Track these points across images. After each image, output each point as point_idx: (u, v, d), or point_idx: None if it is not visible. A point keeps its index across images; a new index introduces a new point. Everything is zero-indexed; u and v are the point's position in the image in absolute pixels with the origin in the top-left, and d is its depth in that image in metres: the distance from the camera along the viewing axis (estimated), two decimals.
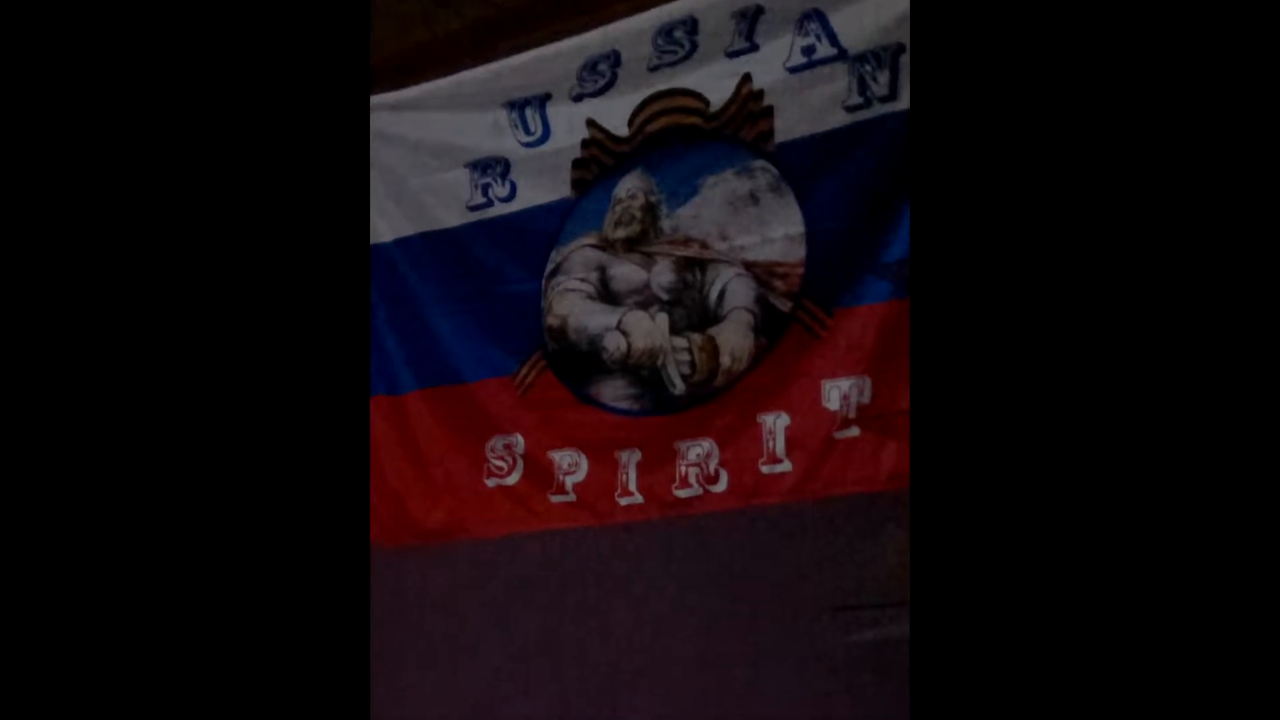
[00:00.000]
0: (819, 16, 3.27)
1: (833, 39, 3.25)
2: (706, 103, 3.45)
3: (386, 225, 3.88)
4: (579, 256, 3.57)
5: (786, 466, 3.38)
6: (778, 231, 3.32)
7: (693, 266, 3.42)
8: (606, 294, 3.51)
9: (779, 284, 3.31)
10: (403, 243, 3.88)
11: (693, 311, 3.40)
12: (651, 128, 3.54)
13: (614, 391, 3.49)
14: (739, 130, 3.40)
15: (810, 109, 3.30)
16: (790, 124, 3.33)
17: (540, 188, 3.68)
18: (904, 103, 3.11)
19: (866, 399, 3.17)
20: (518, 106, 3.71)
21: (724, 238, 3.38)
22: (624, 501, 3.60)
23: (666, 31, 3.49)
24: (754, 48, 3.38)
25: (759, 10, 3.36)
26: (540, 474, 3.71)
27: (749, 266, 3.34)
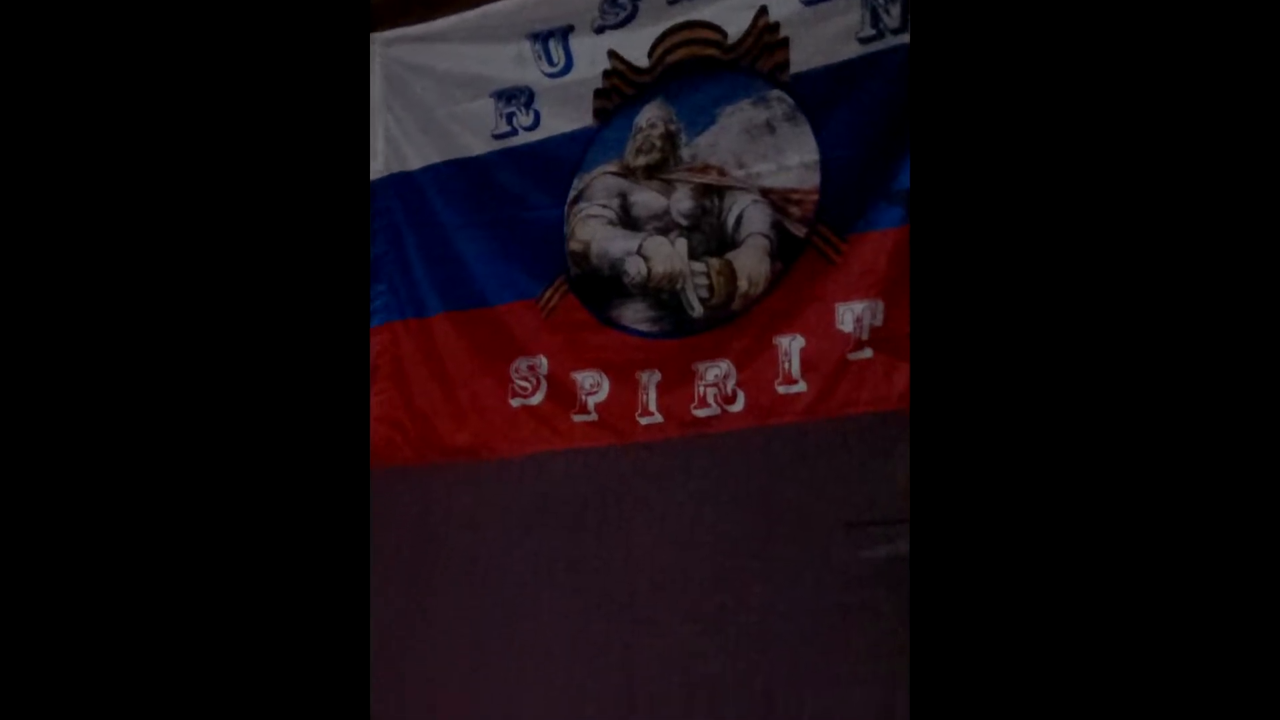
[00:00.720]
0: None
1: None
2: (724, 35, 3.51)
3: (414, 153, 3.94)
4: (601, 184, 3.63)
5: (801, 387, 3.45)
6: (793, 159, 3.38)
7: (711, 193, 3.48)
8: (627, 220, 3.57)
9: (794, 210, 3.37)
10: (429, 170, 3.93)
11: (711, 237, 3.46)
12: (671, 59, 3.60)
13: (634, 314, 3.56)
14: (755, 61, 3.46)
15: (824, 41, 3.36)
16: (805, 55, 3.39)
17: (563, 117, 3.73)
18: None
19: (879, 321, 3.24)
20: (541, 38, 3.76)
21: (741, 165, 3.44)
22: (644, 421, 3.67)
23: None
24: None
25: None
26: (563, 394, 3.78)
27: (765, 193, 3.40)
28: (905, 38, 3.19)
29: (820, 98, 3.36)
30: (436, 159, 3.93)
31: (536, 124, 3.77)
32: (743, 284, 3.41)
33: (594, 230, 3.63)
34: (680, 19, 3.58)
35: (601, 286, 3.62)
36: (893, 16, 3.22)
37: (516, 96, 3.77)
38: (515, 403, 3.86)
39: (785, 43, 3.41)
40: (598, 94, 3.68)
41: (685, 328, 3.52)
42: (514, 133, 3.79)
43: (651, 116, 3.58)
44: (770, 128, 3.41)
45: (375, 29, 3.88)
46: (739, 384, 3.53)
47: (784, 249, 3.37)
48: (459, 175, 3.89)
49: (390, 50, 3.99)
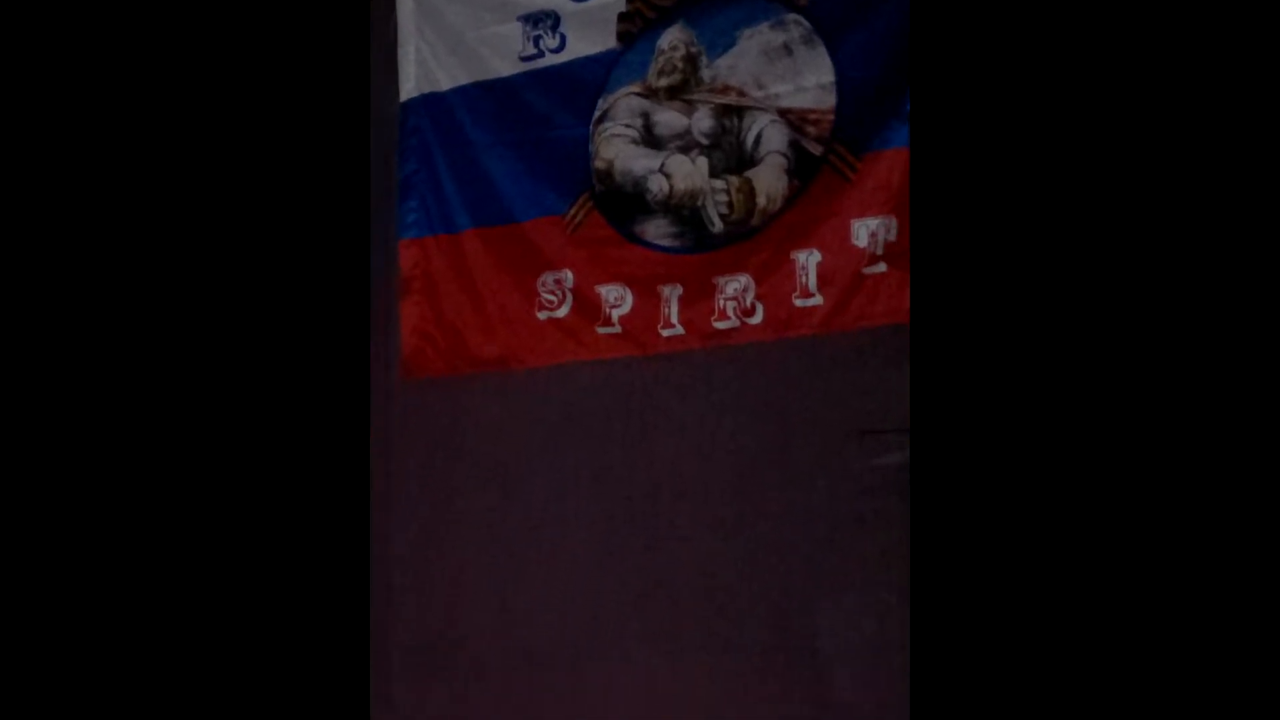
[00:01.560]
0: None
1: None
2: None
3: (445, 75, 4.02)
4: (624, 104, 3.71)
5: (818, 300, 3.55)
6: (810, 80, 3.46)
7: (731, 113, 3.56)
8: (650, 139, 3.65)
9: (811, 130, 3.46)
10: (459, 91, 4.01)
11: (730, 155, 3.54)
12: None
13: (657, 230, 3.65)
14: None
15: None
16: None
17: (588, 40, 3.81)
18: None
19: (893, 237, 3.33)
20: None
21: (760, 86, 3.52)
22: (666, 333, 3.77)
23: None
24: None
25: None
26: (588, 307, 3.87)
27: (783, 113, 3.49)
28: None
29: (836, 21, 3.44)
30: (465, 80, 4.01)
31: (562, 46, 3.84)
32: (761, 200, 3.50)
33: (618, 149, 3.71)
34: None
35: (625, 203, 3.70)
36: None
37: (543, 20, 3.85)
38: (542, 315, 3.96)
39: None
40: (621, 18, 3.75)
41: (706, 243, 3.61)
42: (540, 55, 3.87)
43: (673, 39, 3.65)
44: (788, 50, 3.49)
45: None
46: (758, 297, 3.62)
47: (801, 167, 3.46)
48: (487, 96, 3.97)
49: None
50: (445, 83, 4.02)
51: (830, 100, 3.43)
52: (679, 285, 3.71)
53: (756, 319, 3.63)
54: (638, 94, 3.70)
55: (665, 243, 3.65)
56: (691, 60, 3.63)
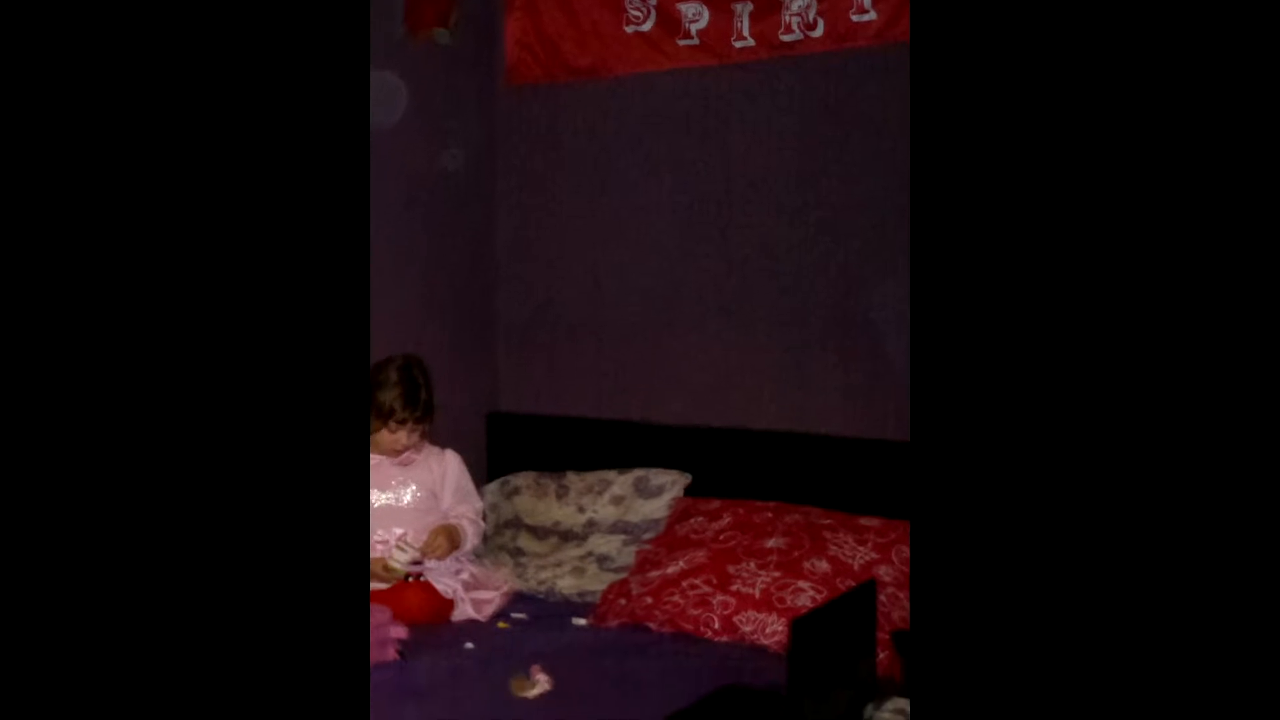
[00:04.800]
0: None
1: None
2: None
3: None
4: None
5: (872, 15, 3.80)
6: None
7: None
8: None
9: None
10: None
11: None
12: None
13: None
14: None
15: None
16: None
17: None
18: None
19: None
20: None
21: None
22: (739, 45, 4.03)
23: None
24: None
25: None
26: (669, 21, 4.13)
27: None
28: None
29: None
30: None
31: None
32: None
33: None
34: None
35: None
36: None
37: None
38: (629, 29, 4.20)
39: None
40: None
41: None
42: None
43: None
44: None
45: None
46: (819, 13, 3.86)
47: None
48: None
49: None
50: None
51: None
52: (749, 2, 3.96)
53: (818, 32, 3.87)
54: None
55: None
56: None
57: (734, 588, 3.42)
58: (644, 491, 4.17)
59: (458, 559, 3.75)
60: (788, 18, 3.91)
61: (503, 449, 4.66)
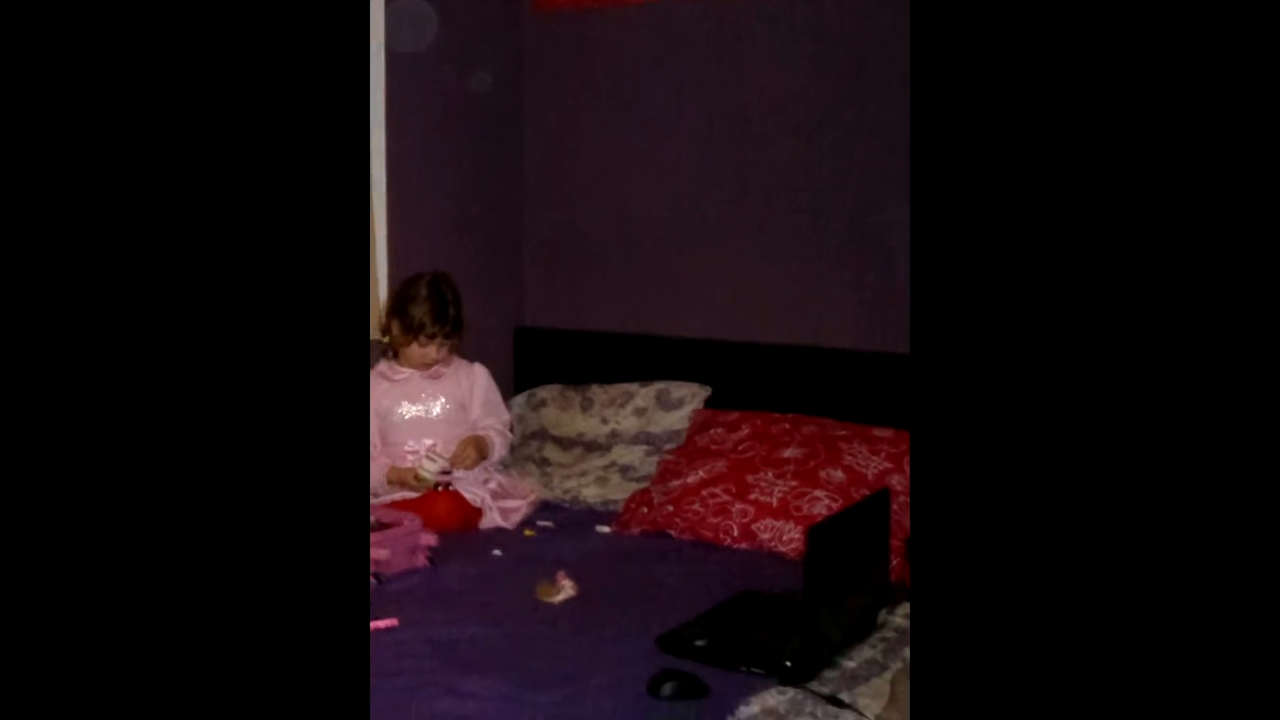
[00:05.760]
0: None
1: None
2: None
3: None
4: None
5: None
6: None
7: None
8: None
9: None
10: None
11: None
12: None
13: None
14: None
15: None
16: None
17: None
18: None
19: None
20: None
21: None
22: None
23: None
24: None
25: None
26: None
27: None
28: None
29: None
30: None
31: None
32: None
33: None
34: None
35: None
36: None
37: None
38: None
39: None
40: None
41: None
42: None
43: None
44: None
45: None
46: None
47: None
48: None
49: None
50: None
51: None
52: None
53: None
54: None
55: None
56: None
57: (752, 496, 3.47)
58: (665, 403, 4.22)
59: (486, 469, 3.81)
60: None
61: (529, 363, 4.72)
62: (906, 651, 2.63)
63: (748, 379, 4.18)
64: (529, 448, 4.37)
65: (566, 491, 4.02)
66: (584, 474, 4.12)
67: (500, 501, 3.72)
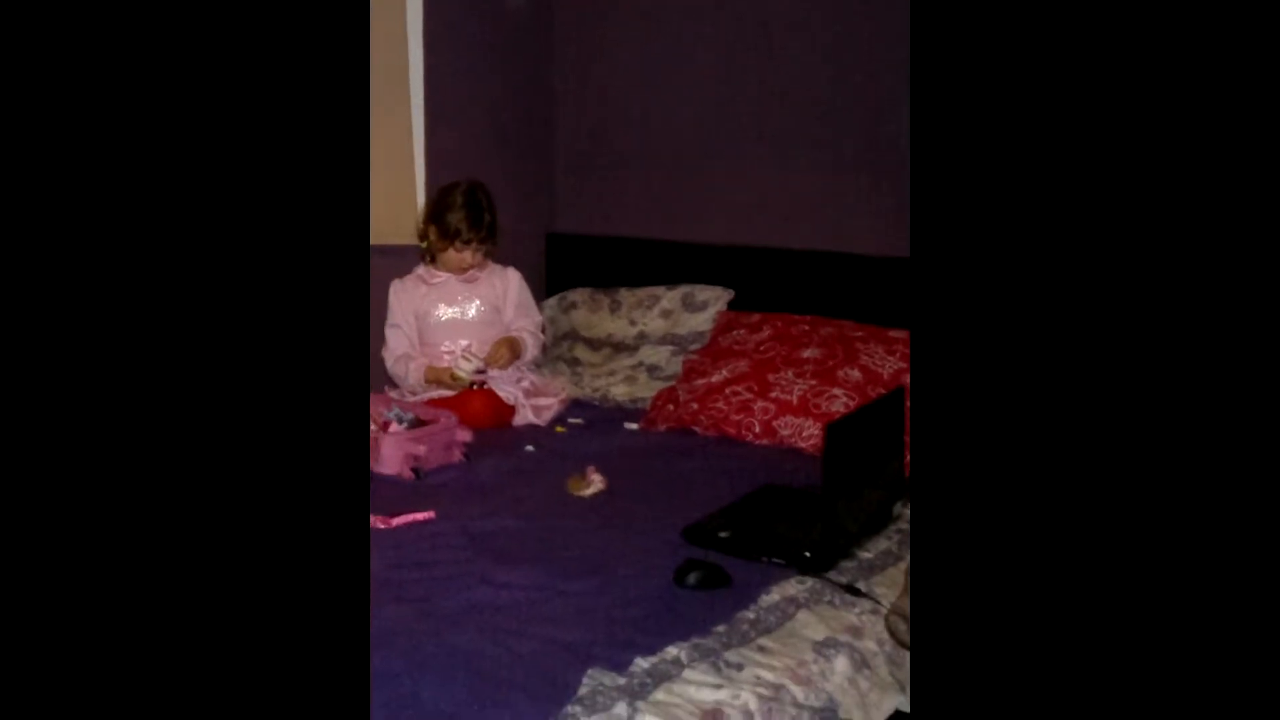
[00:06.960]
0: None
1: None
2: None
3: None
4: None
5: None
6: None
7: None
8: None
9: None
10: None
11: None
12: None
13: None
14: None
15: None
16: None
17: None
18: None
19: None
20: None
21: None
22: None
23: None
24: None
25: None
26: None
27: None
28: None
29: None
30: None
31: None
32: None
33: None
34: None
35: None
36: None
37: None
38: None
39: None
40: None
41: None
42: None
43: None
44: None
45: None
46: None
47: None
48: None
49: None
50: None
51: None
52: None
53: None
54: None
55: None
56: None
57: (773, 394, 3.50)
58: (690, 306, 4.24)
59: (519, 368, 3.86)
60: None
61: (560, 267, 4.75)
62: None
63: (769, 282, 4.19)
64: (560, 348, 4.41)
65: (596, 390, 4.06)
66: (613, 373, 4.16)
67: (533, 399, 3.76)
